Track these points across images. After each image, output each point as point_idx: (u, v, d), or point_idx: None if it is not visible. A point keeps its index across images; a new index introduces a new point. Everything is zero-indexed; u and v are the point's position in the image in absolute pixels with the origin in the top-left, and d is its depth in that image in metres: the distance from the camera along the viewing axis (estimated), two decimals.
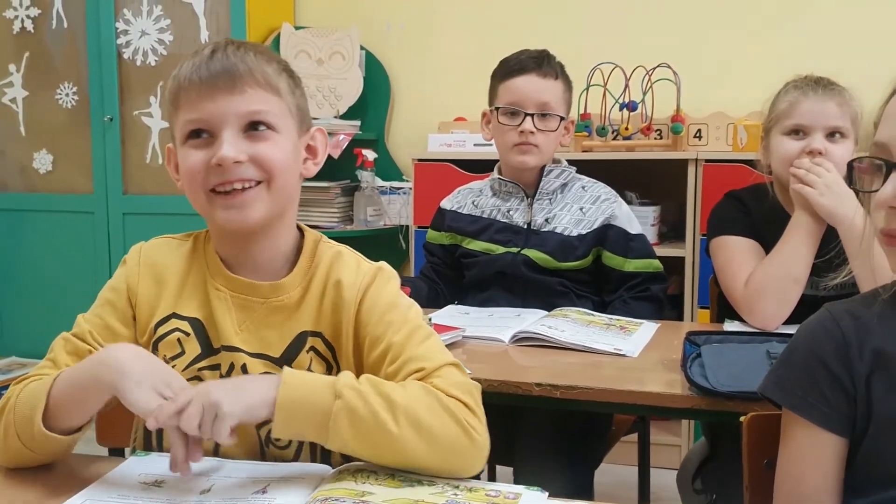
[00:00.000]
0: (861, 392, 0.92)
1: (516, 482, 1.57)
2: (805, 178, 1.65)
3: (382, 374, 1.03)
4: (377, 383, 0.96)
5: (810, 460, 0.95)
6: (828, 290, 1.69)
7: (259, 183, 1.03)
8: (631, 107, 2.81)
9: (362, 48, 3.37)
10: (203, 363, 1.08)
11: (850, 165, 0.93)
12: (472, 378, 1.35)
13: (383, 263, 1.13)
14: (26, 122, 3.48)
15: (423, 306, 1.85)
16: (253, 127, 1.03)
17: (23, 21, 3.41)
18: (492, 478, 2.14)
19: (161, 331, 1.09)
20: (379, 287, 1.09)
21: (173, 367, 1.07)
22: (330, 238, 1.16)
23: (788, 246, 1.66)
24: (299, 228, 1.14)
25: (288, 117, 1.06)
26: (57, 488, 0.95)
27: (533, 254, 1.90)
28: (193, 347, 1.08)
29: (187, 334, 1.08)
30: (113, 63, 3.29)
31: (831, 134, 1.69)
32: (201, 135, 1.03)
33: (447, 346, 1.55)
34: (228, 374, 1.07)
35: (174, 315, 1.09)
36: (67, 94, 3.40)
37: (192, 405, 0.90)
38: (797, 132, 1.70)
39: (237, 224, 1.04)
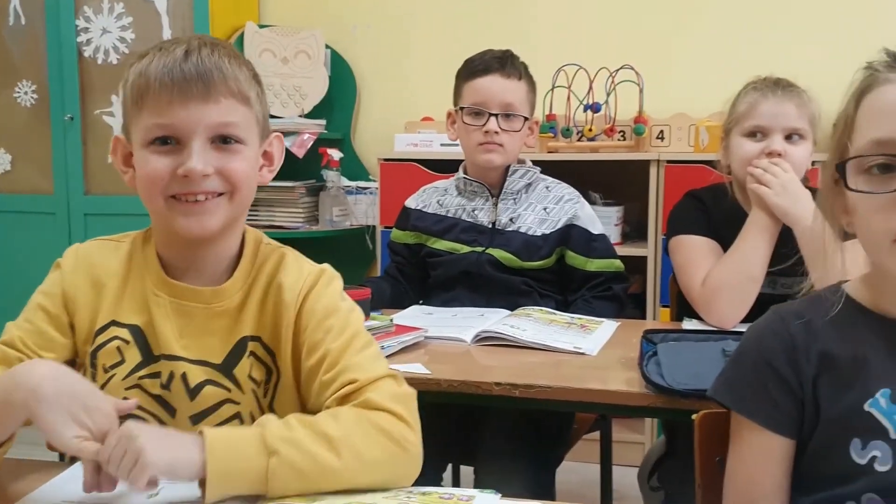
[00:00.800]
0: (808, 394, 0.94)
1: (477, 483, 1.59)
2: (762, 177, 1.67)
3: (318, 382, 1.01)
4: (309, 423, 0.92)
5: (759, 462, 0.97)
6: (784, 287, 1.73)
7: (221, 194, 1.01)
8: (595, 108, 2.83)
9: (328, 47, 3.36)
10: (143, 372, 1.05)
11: (841, 166, 0.90)
12: (432, 379, 1.37)
13: (326, 266, 1.11)
14: None
15: (386, 307, 1.88)
16: (222, 139, 1.01)
17: None
18: (455, 479, 2.15)
19: (100, 339, 1.06)
20: (320, 290, 1.07)
21: (113, 375, 1.05)
22: (295, 239, 1.15)
23: (745, 245, 1.68)
24: None
25: (254, 127, 1.05)
26: None
27: (497, 253, 1.91)
28: (133, 356, 1.05)
29: (127, 342, 1.06)
30: (73, 61, 3.24)
31: (790, 135, 1.71)
32: (168, 141, 0.99)
33: (409, 346, 1.57)
34: (169, 382, 1.05)
35: (114, 323, 1.06)
36: (26, 93, 3.35)
37: (115, 449, 0.85)
38: (756, 133, 1.72)
39: (195, 233, 1.02)
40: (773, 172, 1.67)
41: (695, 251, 1.76)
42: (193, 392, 1.05)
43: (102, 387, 1.05)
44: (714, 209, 1.80)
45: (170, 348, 1.05)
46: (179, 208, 1.00)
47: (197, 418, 1.05)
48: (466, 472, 2.02)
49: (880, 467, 0.89)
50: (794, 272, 1.66)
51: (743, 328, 1.58)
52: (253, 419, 1.05)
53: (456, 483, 2.15)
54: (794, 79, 1.76)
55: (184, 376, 1.04)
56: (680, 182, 2.51)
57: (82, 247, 1.11)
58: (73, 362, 1.08)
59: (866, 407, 0.91)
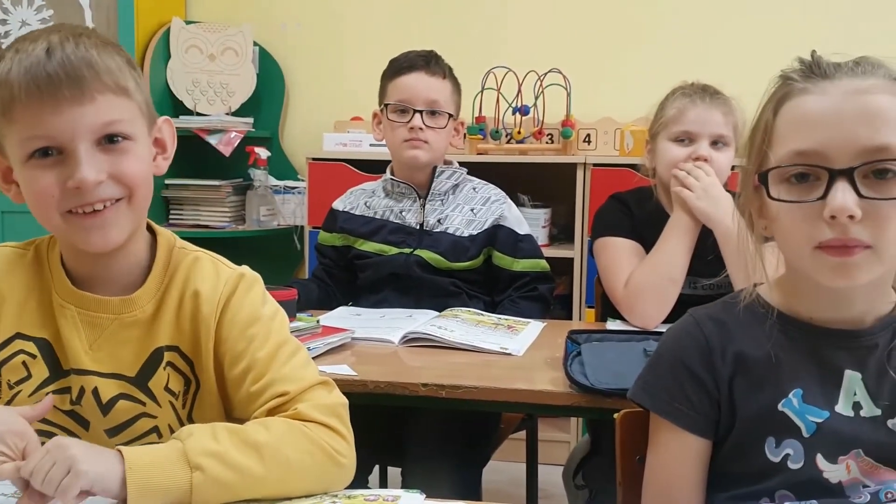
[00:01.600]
0: (724, 394, 0.97)
1: (404, 483, 1.59)
2: (685, 181, 1.72)
3: (244, 393, 0.99)
4: (237, 432, 0.90)
5: (676, 461, 0.99)
6: (705, 289, 1.77)
7: (119, 199, 0.95)
8: (523, 111, 2.86)
9: (256, 45, 3.31)
10: (51, 387, 1.00)
11: (763, 175, 0.92)
12: (358, 381, 1.37)
13: (245, 269, 1.07)
14: None
15: (313, 308, 1.86)
16: (109, 139, 0.93)
17: None
18: (382, 479, 2.15)
19: (4, 353, 1.00)
20: (240, 297, 1.02)
21: (19, 392, 1.00)
22: (221, 238, 1.11)
23: (666, 247, 1.72)
24: (150, 229, 1.05)
25: (139, 119, 0.97)
26: None
27: (426, 254, 1.91)
28: (41, 370, 1.00)
29: (33, 356, 1.00)
30: None
31: (715, 142, 1.76)
32: (49, 152, 0.91)
33: (336, 347, 1.56)
34: (79, 398, 1.00)
35: (18, 335, 1.01)
36: None
37: (42, 461, 0.81)
38: (684, 139, 1.76)
39: (99, 247, 0.95)
40: (695, 176, 1.71)
41: (618, 253, 1.79)
42: (106, 407, 1.01)
43: (7, 403, 1.00)
44: (638, 211, 1.84)
45: (79, 362, 1.00)
46: (78, 223, 0.93)
47: (112, 432, 1.01)
48: (394, 472, 2.02)
49: (793, 465, 0.93)
50: (714, 273, 1.71)
51: (665, 328, 1.63)
52: (171, 431, 1.01)
53: (383, 484, 2.15)
54: (718, 86, 1.81)
55: (95, 391, 1.00)
56: (605, 185, 2.56)
57: None
58: None
59: (780, 407, 0.94)
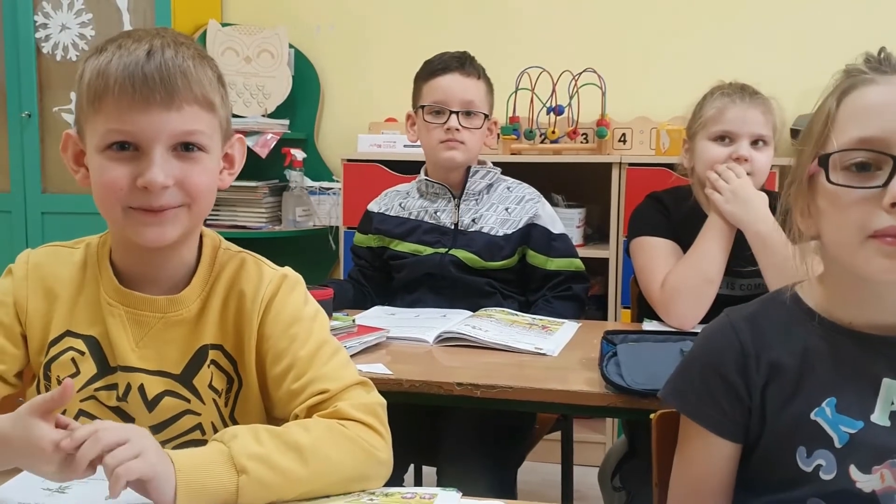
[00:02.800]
0: (756, 402, 0.95)
1: (439, 483, 1.59)
2: (715, 183, 1.70)
3: (285, 390, 1.00)
4: (279, 434, 0.91)
5: (705, 463, 0.98)
6: (744, 289, 1.76)
7: (180, 206, 0.98)
8: (558, 111, 2.85)
9: (291, 47, 3.34)
10: (99, 384, 1.03)
11: (824, 158, 0.90)
12: (394, 379, 1.37)
13: (288, 270, 1.09)
14: None
15: (348, 308, 1.87)
16: (184, 147, 0.96)
17: None
18: (417, 479, 2.15)
19: (54, 350, 1.03)
20: (283, 297, 1.04)
21: None
22: (258, 239, 1.13)
23: (702, 247, 1.70)
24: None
25: (217, 133, 1.00)
26: None
27: (461, 254, 1.91)
28: (89, 367, 1.02)
29: (82, 353, 1.02)
30: (31, 57, 3.19)
31: (756, 141, 1.74)
32: (126, 147, 0.94)
33: (371, 346, 1.57)
34: (125, 394, 1.02)
35: (68, 333, 1.03)
36: None
37: (119, 432, 0.81)
38: (723, 138, 1.74)
39: (153, 242, 0.98)
40: (726, 178, 1.70)
41: (655, 253, 1.78)
42: (151, 404, 1.02)
43: None
44: (675, 211, 1.82)
45: (126, 359, 1.02)
46: (137, 218, 0.96)
47: (157, 428, 1.03)
48: (428, 472, 2.02)
49: (825, 475, 0.91)
50: (752, 274, 1.69)
51: (701, 329, 1.61)
52: (214, 429, 1.03)
53: (418, 483, 2.15)
54: (755, 84, 1.79)
55: (141, 388, 1.02)
56: (641, 184, 2.54)
57: (34, 253, 1.07)
58: (21, 374, 1.06)
59: (812, 416, 0.92)
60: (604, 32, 3.13)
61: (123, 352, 1.02)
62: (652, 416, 1.08)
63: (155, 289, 1.04)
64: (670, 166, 1.99)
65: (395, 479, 0.99)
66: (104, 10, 3.14)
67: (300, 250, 3.23)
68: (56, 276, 1.05)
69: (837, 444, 0.91)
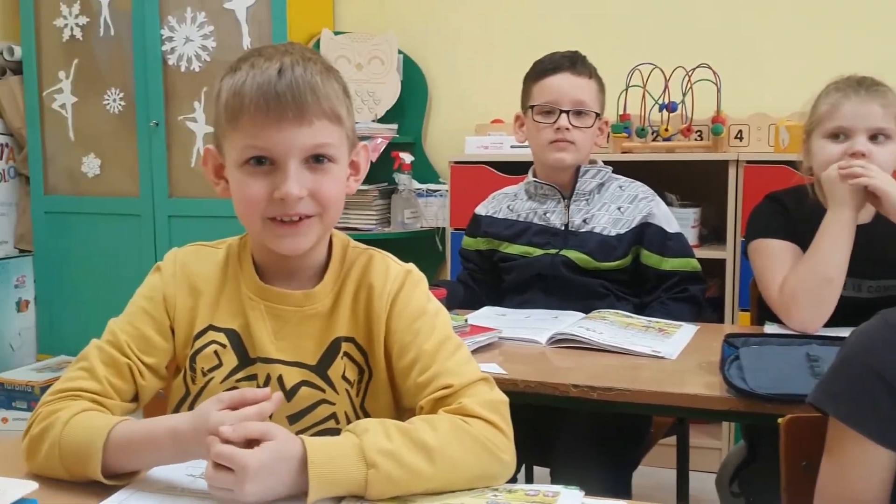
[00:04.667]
0: None
1: (553, 483, 1.59)
2: (855, 171, 1.62)
3: (411, 383, 1.04)
4: (407, 431, 0.94)
5: (859, 473, 0.94)
6: (871, 290, 1.68)
7: (313, 216, 1.04)
8: (671, 108, 2.79)
9: (400, 52, 3.40)
10: (240, 374, 1.08)
11: None
12: (508, 379, 1.38)
13: (412, 267, 1.13)
14: (75, 127, 3.57)
15: (459, 308, 1.89)
16: (315, 159, 1.02)
17: (72, 29, 3.51)
18: (529, 479, 2.15)
19: (199, 343, 1.09)
20: (408, 292, 1.09)
21: (211, 378, 1.08)
22: (368, 240, 1.17)
23: (822, 247, 1.64)
24: None
25: (345, 143, 1.06)
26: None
27: (572, 254, 1.90)
28: (230, 359, 1.09)
29: (224, 346, 1.09)
30: (158, 69, 3.36)
31: (874, 136, 1.66)
32: (262, 161, 1.01)
33: (483, 346, 1.58)
34: (265, 385, 1.07)
35: (211, 327, 1.10)
36: (115, 100, 3.48)
37: (216, 472, 0.87)
38: (838, 135, 1.68)
39: (290, 251, 1.05)
40: (860, 164, 1.62)
41: (774, 255, 1.72)
42: (290, 394, 1.07)
43: (202, 389, 1.09)
44: (795, 212, 1.77)
45: (265, 351, 1.08)
46: (276, 230, 1.03)
47: (294, 418, 1.08)
48: (540, 472, 2.02)
49: None
50: (880, 274, 1.61)
51: (828, 332, 1.55)
52: (347, 419, 1.08)
53: (529, 482, 2.15)
54: (880, 78, 1.71)
55: (280, 378, 1.07)
56: (759, 183, 2.47)
57: (181, 252, 1.14)
58: (169, 367, 1.12)
59: None
60: (718, 26, 3.04)
61: (263, 344, 1.08)
62: (780, 420, 1.05)
63: (291, 284, 1.10)
64: (790, 163, 1.92)
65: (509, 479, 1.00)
66: (224, 22, 3.28)
67: (408, 251, 3.25)
68: (201, 273, 1.12)
69: None
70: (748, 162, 2.61)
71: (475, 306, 1.97)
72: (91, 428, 0.96)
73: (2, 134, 3.69)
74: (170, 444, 0.94)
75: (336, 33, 3.41)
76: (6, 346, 3.60)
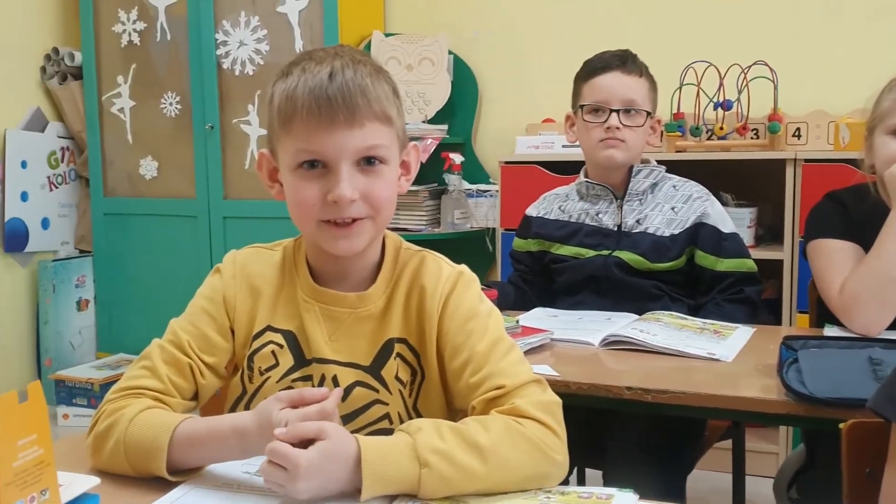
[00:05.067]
0: None
1: (606, 485, 1.56)
2: None
3: (463, 384, 1.04)
4: (460, 431, 0.94)
5: None
6: None
7: (365, 218, 1.04)
8: (726, 106, 2.75)
9: (450, 53, 3.40)
10: (296, 374, 1.10)
11: None
12: (560, 381, 1.37)
13: (464, 268, 1.13)
14: (133, 130, 3.65)
15: (509, 309, 1.88)
16: (367, 161, 1.03)
17: (130, 35, 3.59)
18: (581, 481, 2.13)
19: (257, 343, 1.11)
20: (460, 294, 1.09)
21: (268, 378, 1.10)
22: (418, 241, 1.17)
23: (885, 247, 1.59)
24: None
25: (395, 144, 1.07)
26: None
27: (625, 255, 1.88)
28: (287, 359, 1.10)
29: (281, 346, 1.10)
30: (213, 73, 3.42)
31: None
32: (315, 165, 1.03)
33: (535, 348, 1.57)
34: (320, 385, 1.08)
35: (269, 328, 1.11)
36: (171, 104, 3.55)
37: (271, 467, 0.88)
38: None
39: (344, 253, 1.06)
40: None
41: (834, 256, 1.68)
42: (344, 394, 1.08)
43: (258, 388, 1.11)
44: (856, 211, 1.72)
45: (321, 352, 1.09)
46: (330, 231, 1.04)
47: (348, 418, 1.08)
48: (591, 474, 2.00)
49: None
50: None
51: (891, 335, 1.51)
52: (400, 419, 1.08)
53: (581, 485, 2.13)
54: None
55: (335, 379, 1.09)
56: (819, 182, 2.41)
57: (240, 254, 1.16)
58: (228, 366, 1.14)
59: None
60: (774, 21, 2.97)
61: (318, 345, 1.09)
62: (842, 425, 1.02)
63: (344, 286, 1.11)
64: (851, 162, 1.87)
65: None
66: (277, 25, 3.32)
67: (458, 252, 3.24)
68: (260, 274, 1.14)
69: None
70: (806, 160, 2.55)
71: (526, 308, 1.96)
72: (156, 425, 0.98)
73: (63, 137, 3.80)
74: (234, 441, 0.96)
75: (387, 35, 3.43)
76: (67, 345, 3.71)
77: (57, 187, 3.78)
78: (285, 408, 0.93)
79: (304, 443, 0.89)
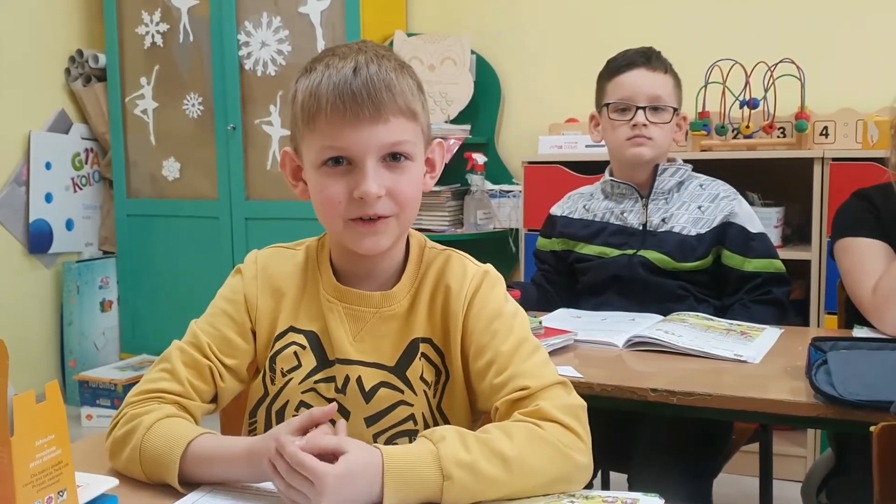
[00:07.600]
0: None
1: (631, 489, 1.54)
2: None
3: (487, 384, 1.02)
4: (484, 441, 0.92)
5: None
6: None
7: (391, 216, 1.03)
8: (752, 104, 2.71)
9: (473, 53, 3.39)
10: (318, 376, 1.08)
11: None
12: (584, 383, 1.35)
13: (489, 267, 1.11)
14: (156, 131, 3.68)
15: (532, 310, 1.86)
16: (392, 157, 1.01)
17: (153, 36, 3.61)
18: (605, 484, 2.11)
19: (279, 344, 1.10)
20: (485, 293, 1.07)
21: (290, 379, 1.08)
22: (441, 242, 1.15)
23: None
24: None
25: (420, 140, 1.05)
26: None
27: (651, 255, 1.85)
28: (309, 360, 1.09)
29: (304, 347, 1.09)
30: (235, 74, 3.43)
31: None
32: (340, 161, 1.01)
33: (559, 349, 1.55)
34: (344, 387, 1.07)
35: (291, 328, 1.10)
36: (194, 105, 3.57)
37: (291, 475, 0.86)
38: None
39: (370, 251, 1.04)
40: None
41: (864, 255, 1.65)
42: (368, 395, 1.07)
43: (280, 390, 1.10)
44: (885, 209, 1.69)
45: (344, 352, 1.07)
46: (355, 229, 1.02)
47: (372, 420, 1.07)
48: (616, 478, 1.98)
49: None
50: None
51: None
52: (424, 420, 1.07)
53: (605, 488, 2.11)
54: None
55: (359, 380, 1.07)
56: (846, 181, 2.38)
57: (261, 254, 1.15)
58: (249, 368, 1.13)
59: None
60: (801, 19, 2.93)
61: (342, 345, 1.07)
62: (872, 428, 0.99)
63: (369, 285, 1.09)
64: (880, 161, 1.84)
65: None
66: (299, 25, 3.33)
67: (481, 253, 3.20)
68: (282, 275, 1.12)
69: None
70: (834, 159, 2.51)
71: (549, 308, 1.94)
72: (171, 437, 0.97)
73: (87, 139, 3.84)
74: (245, 463, 0.95)
75: (409, 35, 3.42)
76: (90, 346, 3.74)
77: (81, 189, 3.81)
78: (297, 433, 0.91)
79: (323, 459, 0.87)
